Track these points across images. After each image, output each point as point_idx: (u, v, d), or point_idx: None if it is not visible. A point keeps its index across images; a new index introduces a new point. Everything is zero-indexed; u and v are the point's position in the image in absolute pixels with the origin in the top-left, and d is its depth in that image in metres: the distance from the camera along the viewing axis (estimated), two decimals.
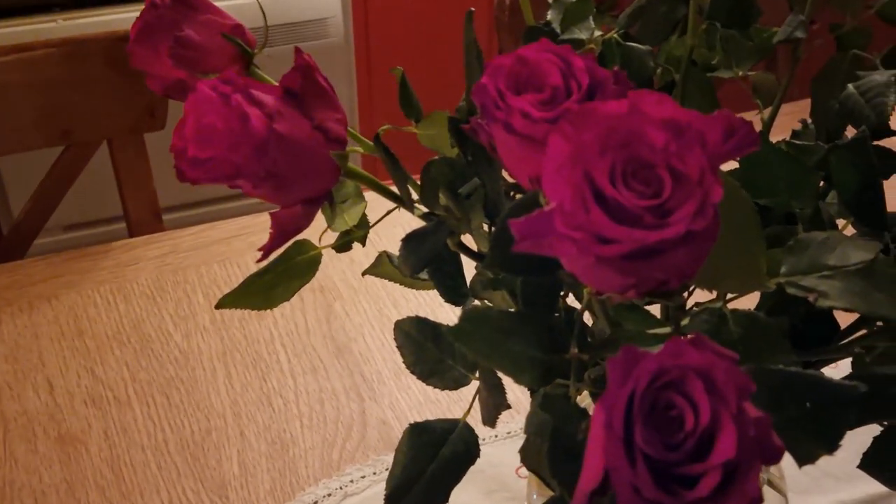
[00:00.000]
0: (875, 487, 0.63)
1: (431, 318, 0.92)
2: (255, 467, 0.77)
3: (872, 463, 0.50)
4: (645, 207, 0.31)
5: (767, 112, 0.63)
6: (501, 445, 0.78)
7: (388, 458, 0.78)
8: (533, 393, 0.41)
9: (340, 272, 0.97)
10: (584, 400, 0.44)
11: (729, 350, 0.29)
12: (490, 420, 0.47)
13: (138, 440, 0.80)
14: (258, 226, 1.04)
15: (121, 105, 1.03)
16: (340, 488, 0.76)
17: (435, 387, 0.50)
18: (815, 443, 0.33)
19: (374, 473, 0.77)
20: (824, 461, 0.36)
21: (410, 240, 0.45)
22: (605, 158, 0.32)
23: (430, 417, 0.82)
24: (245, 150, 0.38)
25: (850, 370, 0.53)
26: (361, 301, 0.94)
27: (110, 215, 1.72)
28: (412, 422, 0.48)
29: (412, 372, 0.51)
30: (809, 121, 0.61)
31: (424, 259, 0.45)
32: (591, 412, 0.53)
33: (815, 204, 0.50)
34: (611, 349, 0.38)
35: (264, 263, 0.56)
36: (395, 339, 0.51)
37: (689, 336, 0.29)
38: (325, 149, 0.40)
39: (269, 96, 0.40)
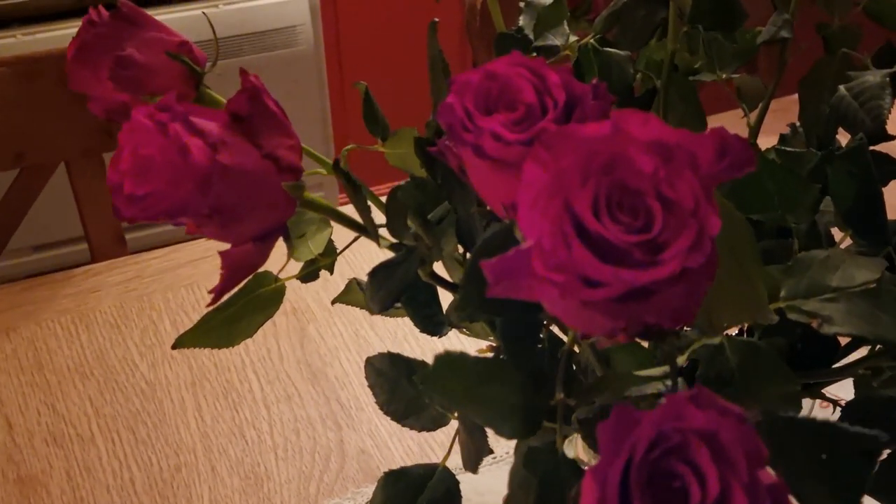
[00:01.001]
0: None
1: (412, 339, 0.89)
2: None
3: (879, 487, 0.47)
4: (634, 243, 0.28)
5: (753, 116, 0.59)
6: (487, 472, 0.74)
7: (369, 491, 0.74)
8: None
9: (314, 293, 0.93)
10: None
11: (735, 405, 0.26)
12: (472, 465, 0.43)
13: (103, 480, 0.75)
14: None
15: (76, 125, 0.98)
16: None
17: (411, 428, 0.47)
18: (831, 499, 0.29)
19: None
20: None
21: (377, 273, 0.41)
22: (587, 187, 0.28)
23: (412, 445, 0.79)
24: (186, 185, 0.34)
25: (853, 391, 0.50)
26: (336, 323, 0.90)
27: (76, 235, 1.67)
28: (392, 449, 0.44)
29: (385, 412, 0.47)
30: (797, 124, 0.58)
31: (394, 293, 0.41)
32: (579, 457, 0.49)
33: (811, 218, 0.46)
34: (600, 393, 0.34)
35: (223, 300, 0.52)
36: (366, 377, 0.48)
37: (689, 391, 0.26)
38: (277, 179, 0.36)
39: (212, 124, 0.36)
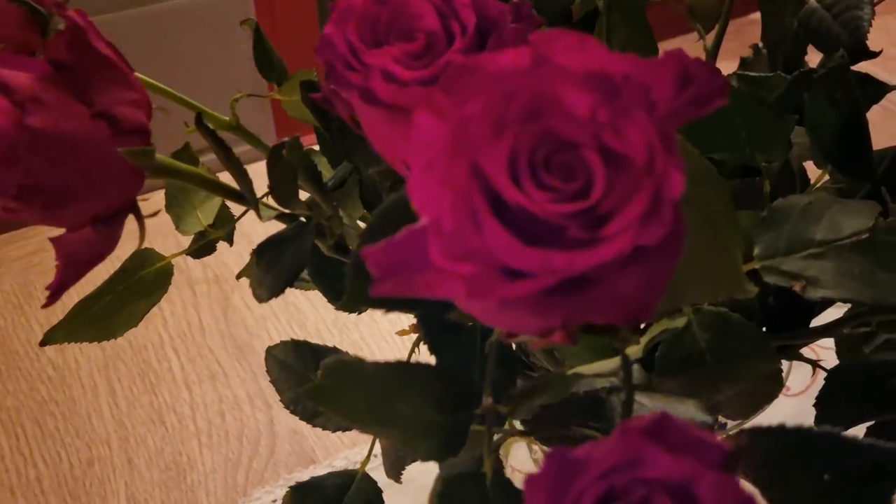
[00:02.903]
0: None
1: None
2: (146, 501, 0.66)
3: None
4: (568, 214, 0.20)
5: (710, 39, 0.52)
6: None
7: (303, 476, 0.67)
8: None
9: (237, 256, 0.84)
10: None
11: (714, 436, 0.18)
12: (394, 473, 0.36)
13: (6, 481, 0.68)
14: (144, 208, 0.91)
15: None
16: None
17: (323, 428, 0.39)
18: None
19: None
20: None
21: (265, 251, 0.34)
22: (502, 141, 0.21)
23: None
24: None
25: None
26: None
27: None
28: (296, 482, 0.37)
29: (292, 412, 0.39)
30: (760, 44, 0.50)
31: (286, 275, 0.34)
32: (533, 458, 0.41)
33: (785, 155, 0.39)
34: (538, 396, 0.27)
35: (100, 289, 0.44)
36: (268, 371, 0.40)
37: (645, 420, 0.18)
38: (114, 144, 0.28)
39: (23, 76, 0.27)
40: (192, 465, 0.68)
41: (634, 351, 0.27)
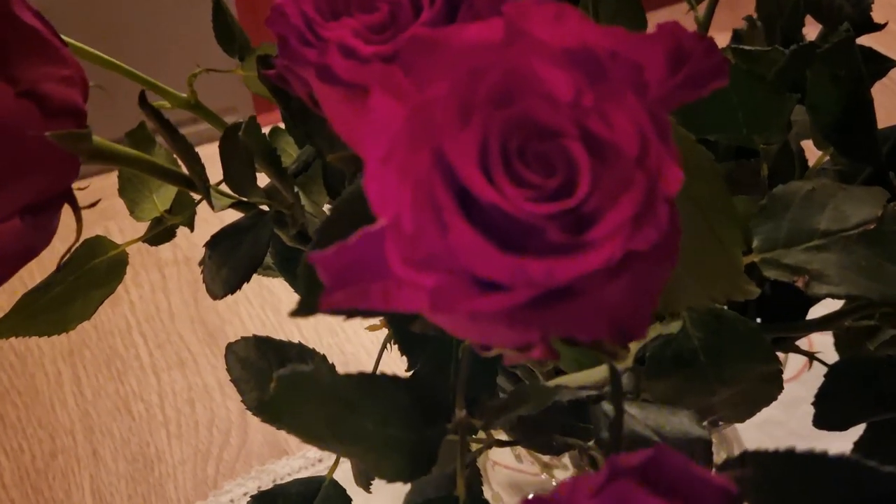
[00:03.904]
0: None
1: None
2: (112, 495, 0.63)
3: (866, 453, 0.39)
4: (548, 215, 0.17)
5: (702, 9, 0.49)
6: None
7: (277, 468, 0.64)
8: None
9: (209, 237, 0.82)
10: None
11: (716, 475, 0.16)
12: (363, 481, 0.33)
13: None
14: (110, 188, 0.87)
15: None
16: None
17: (289, 432, 0.36)
18: None
19: (260, 489, 0.63)
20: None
21: (219, 243, 0.31)
22: (471, 128, 0.18)
23: None
24: None
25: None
26: None
27: None
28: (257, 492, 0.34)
29: (256, 413, 0.37)
30: (755, 16, 0.47)
31: (242, 269, 0.31)
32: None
33: (784, 137, 0.36)
34: (517, 409, 0.24)
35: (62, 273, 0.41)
36: (229, 370, 0.37)
37: (637, 460, 0.16)
38: (43, 126, 0.25)
39: None
40: (160, 456, 0.65)
41: (624, 361, 0.24)
